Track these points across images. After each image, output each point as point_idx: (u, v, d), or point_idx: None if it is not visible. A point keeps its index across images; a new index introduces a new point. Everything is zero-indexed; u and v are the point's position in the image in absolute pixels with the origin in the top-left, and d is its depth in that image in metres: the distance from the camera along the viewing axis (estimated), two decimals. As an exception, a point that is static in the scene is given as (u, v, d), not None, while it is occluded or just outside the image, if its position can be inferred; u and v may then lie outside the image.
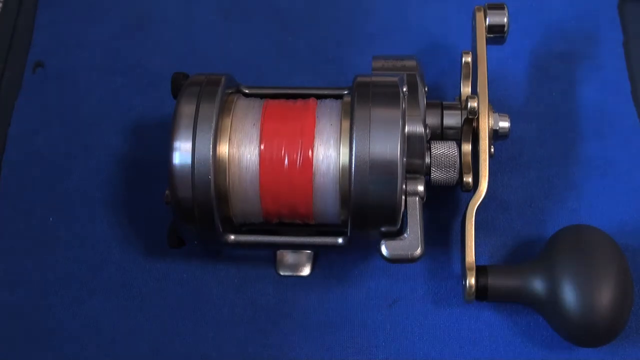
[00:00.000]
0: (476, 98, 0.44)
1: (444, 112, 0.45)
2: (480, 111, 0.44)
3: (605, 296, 0.40)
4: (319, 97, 0.44)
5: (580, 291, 0.40)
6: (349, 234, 0.42)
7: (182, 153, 0.40)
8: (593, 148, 0.50)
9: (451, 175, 0.44)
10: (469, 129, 0.45)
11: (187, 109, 0.41)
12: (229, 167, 0.41)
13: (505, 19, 0.46)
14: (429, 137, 0.43)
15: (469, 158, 0.45)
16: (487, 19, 0.46)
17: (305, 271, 0.44)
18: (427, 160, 0.43)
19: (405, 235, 0.41)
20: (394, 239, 0.41)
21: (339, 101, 0.43)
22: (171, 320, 0.46)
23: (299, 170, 0.41)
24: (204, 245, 0.44)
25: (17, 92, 0.53)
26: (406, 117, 0.41)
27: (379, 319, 0.46)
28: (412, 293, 0.46)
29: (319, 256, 0.47)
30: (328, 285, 0.47)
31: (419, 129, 0.42)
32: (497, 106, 0.46)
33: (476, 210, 0.43)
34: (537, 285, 0.42)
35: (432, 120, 0.45)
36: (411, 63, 0.45)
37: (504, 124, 0.45)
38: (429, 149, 0.44)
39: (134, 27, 0.55)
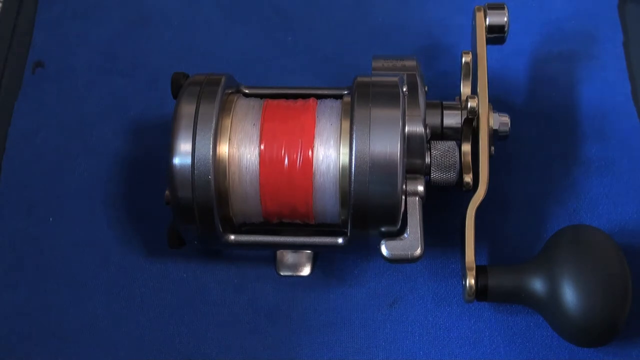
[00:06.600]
0: (476, 98, 0.44)
1: (444, 112, 0.45)
2: (480, 111, 0.44)
3: (604, 296, 0.40)
4: (319, 97, 0.44)
5: (579, 291, 0.40)
6: (349, 234, 0.42)
7: (182, 153, 0.40)
8: (593, 148, 0.50)
9: (451, 175, 0.44)
10: (469, 129, 0.45)
11: (187, 109, 0.41)
12: (229, 167, 0.41)
13: (505, 19, 0.46)
14: (429, 137, 0.43)
15: (469, 158, 0.45)
16: (487, 19, 0.46)
17: (305, 271, 0.44)
18: (427, 160, 0.43)
19: (405, 235, 0.41)
20: (394, 239, 0.41)
21: (339, 101, 0.43)
22: (171, 320, 0.46)
23: (299, 170, 0.41)
24: (204, 245, 0.44)
25: (17, 92, 0.53)
26: (406, 117, 0.41)
27: (379, 319, 0.46)
28: (412, 293, 0.46)
29: (319, 256, 0.47)
30: (328, 285, 0.47)
31: (419, 129, 0.42)
32: (497, 106, 0.46)
33: (476, 210, 0.43)
34: (537, 285, 0.42)
35: (432, 120, 0.45)
36: (411, 63, 0.45)
37: (504, 124, 0.45)
38: (429, 149, 0.44)
39: (134, 26, 0.55)
